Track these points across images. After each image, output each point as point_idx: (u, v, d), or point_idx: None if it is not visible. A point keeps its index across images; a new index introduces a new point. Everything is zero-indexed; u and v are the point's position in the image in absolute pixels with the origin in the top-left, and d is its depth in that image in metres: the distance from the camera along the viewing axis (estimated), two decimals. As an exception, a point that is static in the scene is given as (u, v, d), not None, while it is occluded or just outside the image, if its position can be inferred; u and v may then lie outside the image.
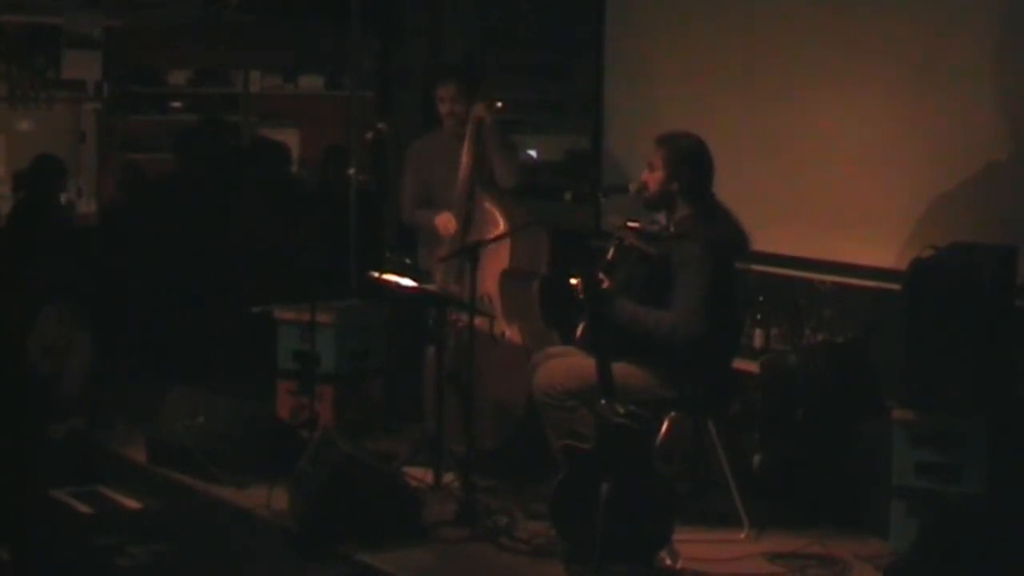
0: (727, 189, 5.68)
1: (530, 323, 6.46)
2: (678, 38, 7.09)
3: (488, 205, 6.43)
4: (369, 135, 7.12)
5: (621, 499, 5.01)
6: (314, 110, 10.44)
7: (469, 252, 6.00)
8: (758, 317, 6.40)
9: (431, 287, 6.40)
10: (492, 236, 6.26)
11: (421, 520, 5.68)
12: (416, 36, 8.85)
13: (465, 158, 6.45)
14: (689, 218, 5.56)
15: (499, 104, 6.46)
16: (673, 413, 5.62)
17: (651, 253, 5.50)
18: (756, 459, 6.09)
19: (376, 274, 6.31)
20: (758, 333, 6.39)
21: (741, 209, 5.70)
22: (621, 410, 5.09)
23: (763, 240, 6.10)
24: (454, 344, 6.28)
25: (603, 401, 5.11)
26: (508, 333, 6.38)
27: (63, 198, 8.69)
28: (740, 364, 5.96)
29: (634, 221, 5.59)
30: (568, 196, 5.93)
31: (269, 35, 10.35)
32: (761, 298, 6.45)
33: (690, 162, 5.58)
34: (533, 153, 8.11)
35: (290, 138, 10.15)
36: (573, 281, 5.36)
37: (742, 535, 5.64)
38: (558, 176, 7.99)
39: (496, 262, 6.31)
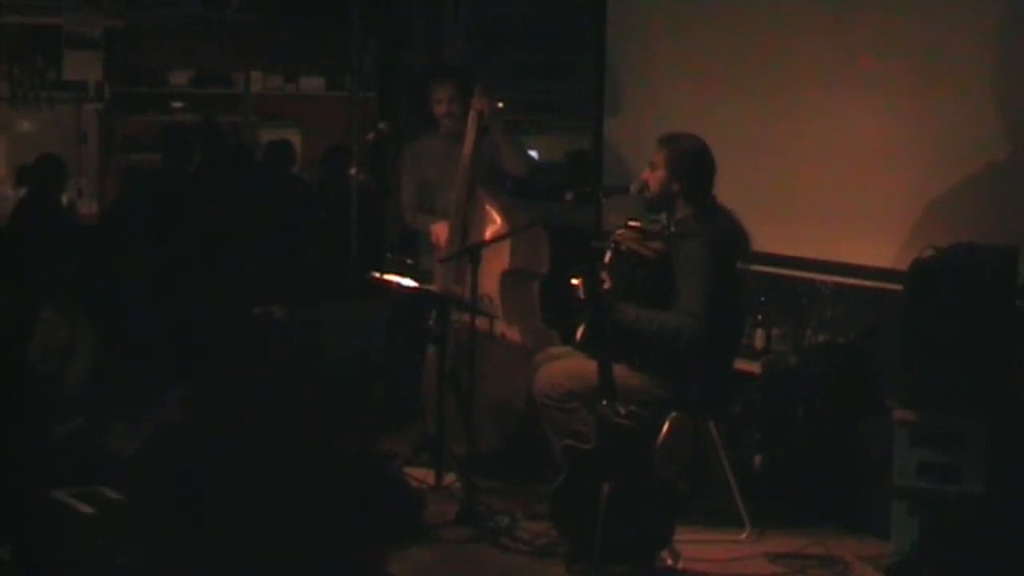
0: (728, 189, 5.68)
1: (531, 323, 6.46)
2: (678, 38, 7.10)
3: (488, 205, 6.43)
4: (370, 135, 7.13)
5: (622, 499, 5.01)
6: (315, 111, 10.45)
7: (470, 253, 6.00)
8: (759, 318, 6.40)
9: (432, 287, 6.40)
10: (492, 236, 6.26)
11: (422, 520, 5.67)
12: (416, 36, 8.85)
13: (466, 151, 6.45)
14: (690, 218, 5.56)
15: (499, 104, 6.46)
16: (673, 413, 5.62)
17: (648, 256, 5.49)
18: (756, 459, 6.09)
19: (377, 274, 6.31)
20: (759, 334, 6.39)
21: (742, 209, 5.70)
22: (622, 411, 5.09)
23: (764, 240, 6.10)
24: (454, 345, 6.28)
25: (604, 402, 5.11)
26: (508, 333, 6.38)
27: (64, 198, 8.69)
28: (741, 364, 5.96)
29: (635, 221, 5.59)
30: (569, 196, 5.93)
31: (270, 35, 10.35)
32: (762, 298, 6.45)
33: (691, 162, 5.58)
34: (534, 154, 8.11)
35: (291, 139, 10.15)
36: (574, 282, 5.36)
37: (743, 535, 5.64)
38: (559, 176, 7.99)
39: (497, 262, 6.31)
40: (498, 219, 6.37)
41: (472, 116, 6.42)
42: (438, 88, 6.68)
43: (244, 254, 7.99)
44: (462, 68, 6.83)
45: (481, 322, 6.18)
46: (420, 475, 6.08)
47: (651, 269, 5.49)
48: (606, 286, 5.37)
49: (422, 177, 6.82)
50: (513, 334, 6.38)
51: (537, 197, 6.79)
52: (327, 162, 8.94)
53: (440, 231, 6.58)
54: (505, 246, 6.30)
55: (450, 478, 6.05)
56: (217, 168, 8.58)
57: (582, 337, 5.58)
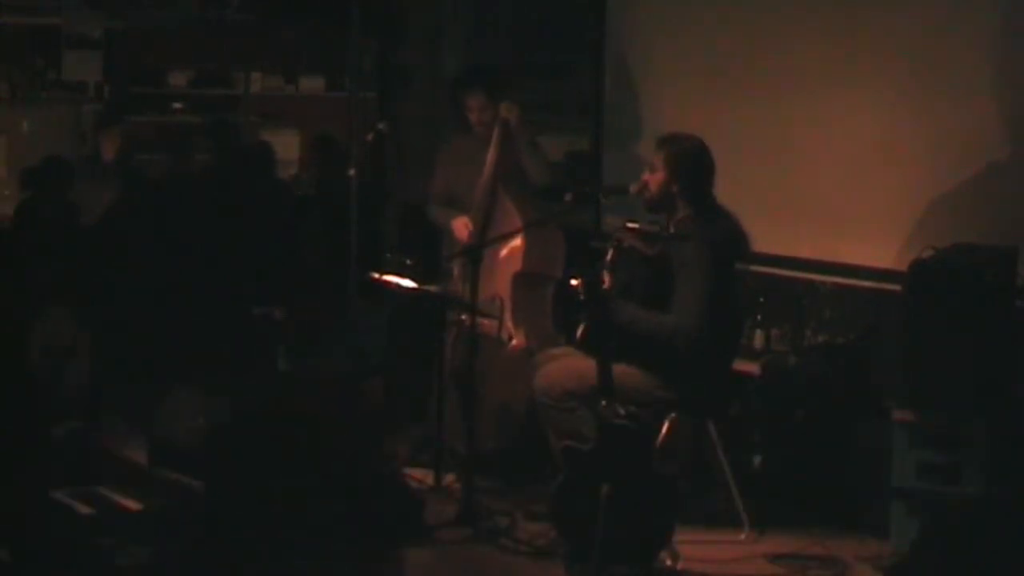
0: (727, 190, 5.68)
1: (539, 327, 6.44)
2: (678, 38, 7.10)
3: (509, 205, 6.43)
4: (369, 136, 7.13)
5: (621, 500, 5.01)
6: (315, 111, 10.42)
7: (470, 253, 6.00)
8: (758, 318, 6.40)
9: (432, 287, 6.39)
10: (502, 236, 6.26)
11: (421, 521, 5.67)
12: (416, 37, 8.85)
13: (490, 157, 6.46)
14: (689, 219, 5.56)
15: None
16: (673, 414, 5.62)
17: (650, 254, 5.50)
18: (756, 459, 6.09)
19: (376, 275, 6.31)
20: (758, 334, 6.39)
21: (741, 210, 5.70)
22: (621, 411, 5.09)
23: (763, 241, 6.10)
24: (460, 345, 6.27)
25: (603, 402, 5.11)
26: (516, 336, 6.37)
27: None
28: (740, 365, 5.96)
29: (633, 222, 5.59)
30: (568, 197, 5.93)
31: (269, 35, 10.34)
32: (761, 299, 6.45)
33: (691, 163, 5.58)
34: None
35: (291, 139, 10.13)
36: (574, 282, 5.36)
37: (742, 536, 5.64)
38: (559, 177, 7.98)
39: (510, 264, 6.31)
40: (518, 221, 6.36)
41: (497, 125, 6.46)
42: (469, 98, 6.69)
43: (244, 255, 7.98)
44: (492, 72, 6.80)
45: (488, 324, 6.18)
46: (420, 475, 6.07)
47: (652, 267, 5.49)
48: (606, 285, 5.38)
49: (452, 175, 6.83)
50: (520, 337, 6.37)
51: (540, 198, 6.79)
52: (314, 155, 8.89)
53: (461, 227, 6.58)
54: (519, 248, 6.30)
55: (450, 478, 6.05)
56: (227, 169, 8.55)
57: (582, 337, 5.58)
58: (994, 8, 5.86)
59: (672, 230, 5.57)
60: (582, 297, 5.32)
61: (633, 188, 5.70)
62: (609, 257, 5.50)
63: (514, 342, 6.33)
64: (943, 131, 5.99)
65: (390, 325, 7.33)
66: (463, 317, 6.28)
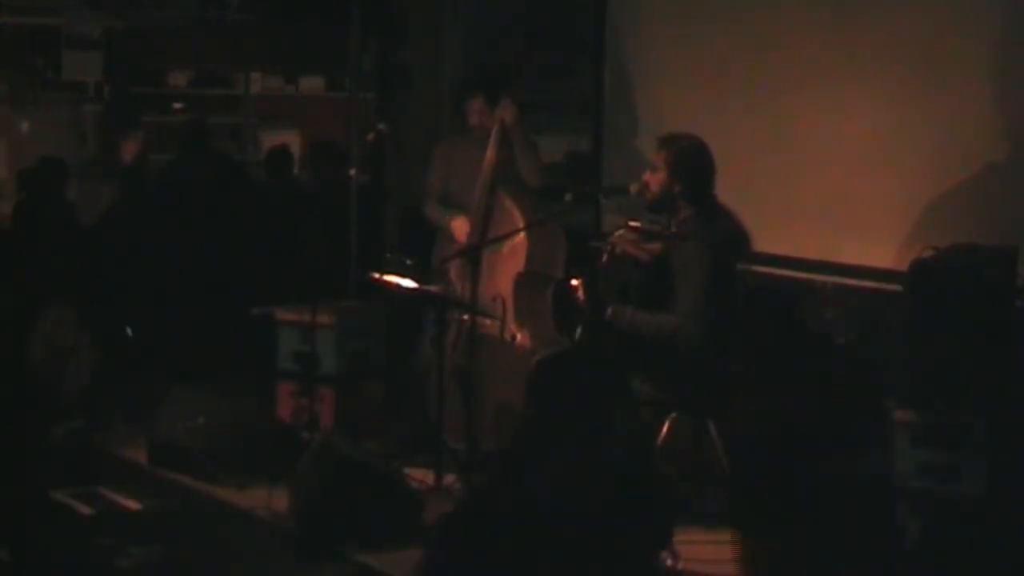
0: (728, 190, 5.68)
1: (541, 326, 6.43)
2: (678, 38, 7.10)
3: (508, 204, 6.42)
4: (370, 136, 7.13)
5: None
6: (315, 111, 10.45)
7: (469, 253, 6.00)
8: (758, 319, 6.39)
9: (432, 288, 6.39)
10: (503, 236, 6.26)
11: (421, 520, 5.67)
12: (416, 37, 8.85)
13: (488, 157, 6.46)
14: (690, 219, 5.56)
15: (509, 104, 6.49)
16: (673, 414, 5.62)
17: (645, 259, 5.50)
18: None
19: (376, 275, 6.31)
20: (758, 335, 6.38)
21: (742, 210, 5.70)
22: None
23: (763, 241, 6.10)
24: (461, 344, 6.26)
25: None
26: (519, 336, 6.36)
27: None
28: (740, 365, 5.95)
29: (635, 221, 5.59)
30: (569, 197, 5.93)
31: (269, 35, 10.36)
32: (761, 299, 6.44)
33: (691, 163, 5.58)
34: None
35: (291, 139, 10.15)
36: (574, 283, 5.36)
37: (742, 536, 5.63)
38: (559, 177, 7.99)
39: (512, 264, 6.31)
40: (518, 220, 6.35)
41: (496, 124, 6.46)
42: (469, 102, 6.70)
43: (244, 255, 7.99)
44: (492, 77, 6.82)
45: (491, 324, 6.18)
46: (419, 475, 6.07)
47: (647, 271, 5.49)
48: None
49: (448, 174, 6.82)
50: (523, 338, 6.36)
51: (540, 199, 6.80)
52: (312, 158, 8.91)
53: (460, 227, 6.57)
54: (521, 248, 6.29)
55: (450, 478, 6.05)
56: (196, 168, 8.53)
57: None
58: (994, 8, 5.85)
59: (673, 230, 5.57)
60: (582, 297, 5.33)
61: (633, 188, 5.70)
62: (604, 261, 5.51)
63: (518, 340, 6.32)
64: (943, 131, 5.99)
65: (389, 326, 7.33)
66: (463, 317, 6.28)
